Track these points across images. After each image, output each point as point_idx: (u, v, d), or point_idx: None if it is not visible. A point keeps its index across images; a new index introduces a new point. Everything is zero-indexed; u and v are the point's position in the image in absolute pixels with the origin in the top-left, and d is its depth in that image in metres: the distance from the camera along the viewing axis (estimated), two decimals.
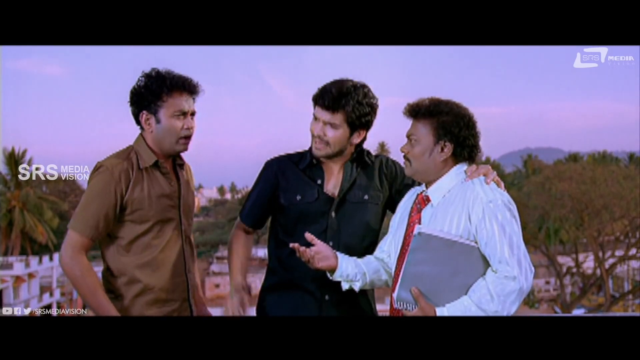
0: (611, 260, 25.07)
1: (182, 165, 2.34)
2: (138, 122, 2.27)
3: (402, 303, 1.96)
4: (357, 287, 2.16)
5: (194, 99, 2.27)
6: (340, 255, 2.14)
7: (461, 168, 2.06)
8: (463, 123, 2.02)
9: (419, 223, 2.05)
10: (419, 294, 1.93)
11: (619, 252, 25.44)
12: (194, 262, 2.38)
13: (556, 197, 24.38)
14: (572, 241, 26.99)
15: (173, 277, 2.25)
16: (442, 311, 1.92)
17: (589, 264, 26.98)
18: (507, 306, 1.90)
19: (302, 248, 2.09)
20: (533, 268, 1.94)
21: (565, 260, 29.23)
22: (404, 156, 2.09)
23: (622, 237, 25.62)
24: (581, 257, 26.83)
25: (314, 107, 2.26)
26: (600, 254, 24.58)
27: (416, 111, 2.06)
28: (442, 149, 2.03)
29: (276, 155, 2.42)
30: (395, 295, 1.99)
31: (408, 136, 2.07)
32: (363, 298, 2.34)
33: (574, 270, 27.52)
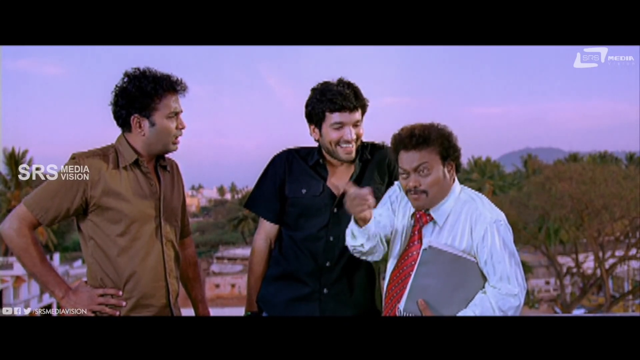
0: (611, 261, 25.03)
1: (165, 166, 2.28)
2: (124, 124, 2.21)
3: (408, 315, 2.00)
4: (366, 247, 2.08)
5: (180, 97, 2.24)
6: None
7: (456, 186, 2.10)
8: (453, 140, 2.07)
9: (420, 239, 2.07)
10: (425, 306, 1.98)
11: (619, 253, 25.39)
12: (178, 267, 2.30)
13: (556, 197, 24.34)
14: (572, 241, 26.95)
15: (152, 281, 2.19)
16: None
17: (589, 264, 26.93)
18: None
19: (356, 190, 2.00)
20: (526, 285, 2.02)
21: (565, 261, 29.20)
22: (414, 190, 2.04)
23: (622, 237, 25.58)
24: (581, 257, 26.79)
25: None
26: (600, 254, 24.55)
27: (418, 140, 2.02)
28: (449, 170, 2.07)
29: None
30: (401, 306, 2.02)
31: (415, 168, 2.03)
32: (362, 291, 2.34)
33: (574, 270, 27.50)
